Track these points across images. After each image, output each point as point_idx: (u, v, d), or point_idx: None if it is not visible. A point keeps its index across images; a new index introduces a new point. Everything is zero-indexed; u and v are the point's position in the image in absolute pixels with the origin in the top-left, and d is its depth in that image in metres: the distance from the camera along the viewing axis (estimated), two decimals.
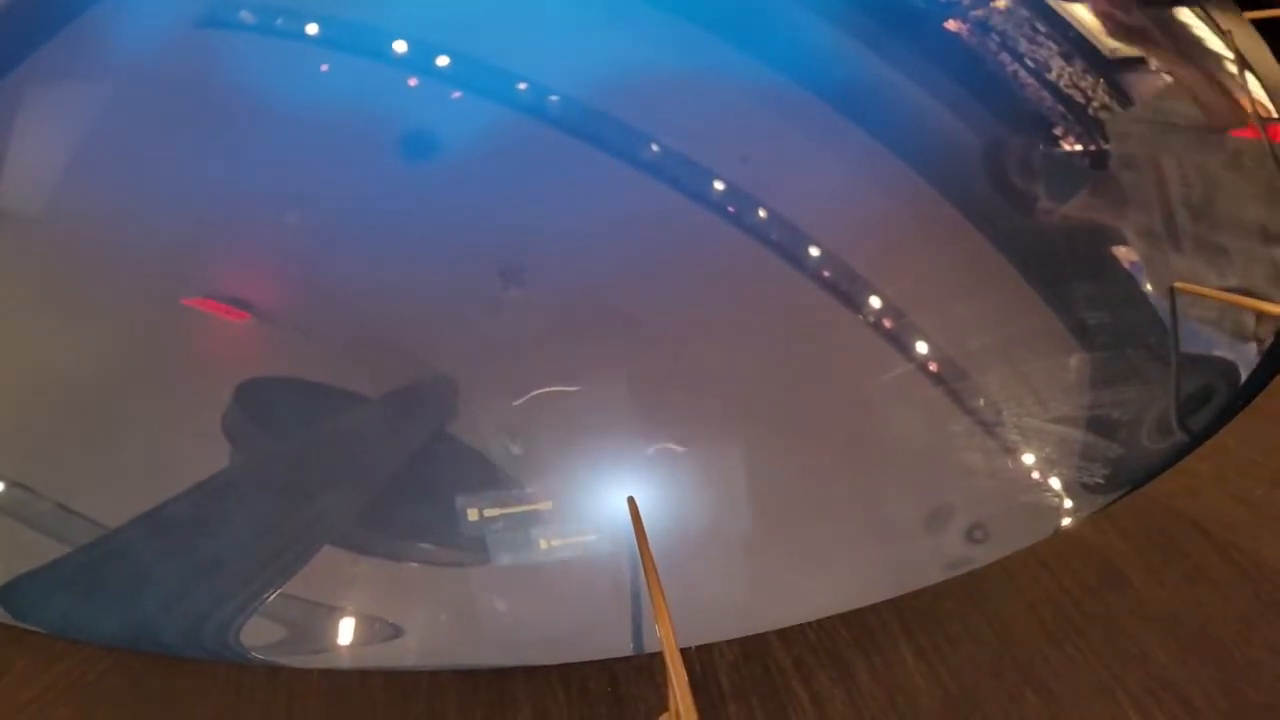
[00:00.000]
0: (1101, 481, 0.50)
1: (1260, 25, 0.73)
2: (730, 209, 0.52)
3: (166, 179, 0.54)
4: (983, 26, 0.64)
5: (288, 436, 0.48)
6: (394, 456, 0.47)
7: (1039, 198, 0.59)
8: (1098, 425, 0.51)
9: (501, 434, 0.47)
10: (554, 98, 0.55)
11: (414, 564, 0.46)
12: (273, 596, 0.45)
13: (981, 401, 0.50)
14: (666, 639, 0.39)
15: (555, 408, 0.47)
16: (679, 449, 0.48)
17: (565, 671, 0.49)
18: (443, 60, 0.56)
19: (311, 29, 0.58)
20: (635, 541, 0.44)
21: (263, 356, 0.50)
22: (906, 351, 0.50)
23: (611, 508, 0.46)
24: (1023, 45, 0.62)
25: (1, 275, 0.53)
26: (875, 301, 0.51)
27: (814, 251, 0.52)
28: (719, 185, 0.53)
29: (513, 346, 0.48)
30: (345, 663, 0.45)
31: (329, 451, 0.47)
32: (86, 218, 0.54)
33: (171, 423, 0.48)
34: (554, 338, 0.49)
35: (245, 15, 0.59)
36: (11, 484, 0.48)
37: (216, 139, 0.55)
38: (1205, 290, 0.55)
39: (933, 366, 0.50)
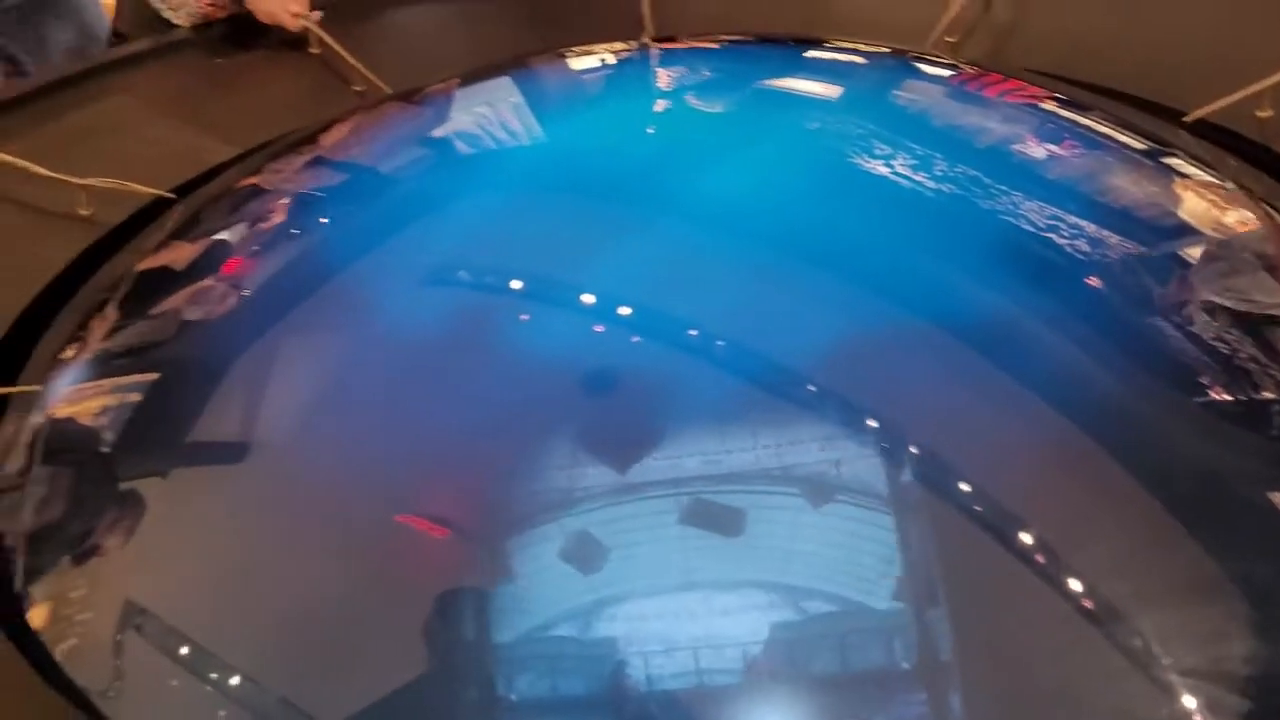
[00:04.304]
0: None
1: None
2: (886, 445, 0.57)
3: (380, 416, 0.65)
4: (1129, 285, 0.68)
5: (481, 645, 0.53)
6: (593, 665, 0.52)
7: (1188, 443, 0.61)
8: (1259, 679, 0.51)
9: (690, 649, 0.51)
10: (720, 342, 0.64)
11: None
12: None
13: (1139, 642, 0.51)
14: None
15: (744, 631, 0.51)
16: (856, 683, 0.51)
17: None
18: (625, 309, 0.66)
19: (516, 284, 0.70)
20: None
21: (460, 568, 0.57)
22: (1067, 589, 0.52)
23: None
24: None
25: (240, 494, 0.64)
26: (1033, 540, 0.54)
27: (967, 488, 0.56)
28: (873, 423, 0.58)
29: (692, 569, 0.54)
30: None
31: (524, 660, 0.53)
32: (320, 449, 0.65)
33: (390, 631, 0.54)
34: (727, 567, 0.54)
35: (462, 274, 0.72)
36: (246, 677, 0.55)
37: (422, 382, 0.66)
38: None
39: (1093, 604, 0.52)
